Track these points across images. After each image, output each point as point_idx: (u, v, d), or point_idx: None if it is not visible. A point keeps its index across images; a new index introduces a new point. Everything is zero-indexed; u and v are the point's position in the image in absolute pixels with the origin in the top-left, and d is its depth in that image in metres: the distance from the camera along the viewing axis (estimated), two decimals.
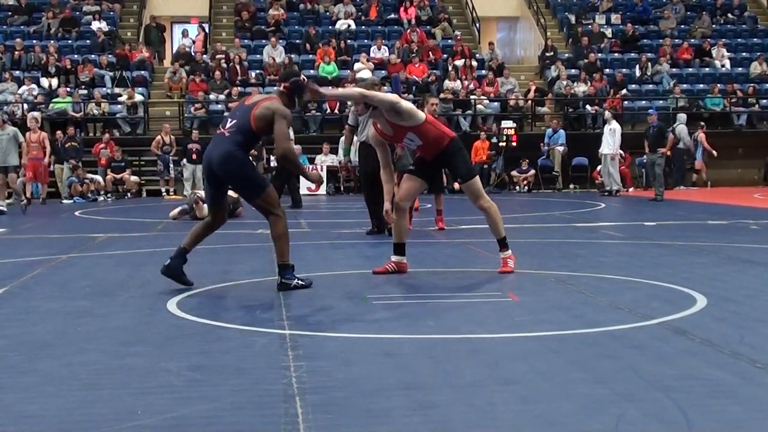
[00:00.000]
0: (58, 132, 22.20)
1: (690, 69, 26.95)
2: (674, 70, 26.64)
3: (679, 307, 6.13)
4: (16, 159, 18.07)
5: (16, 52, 25.49)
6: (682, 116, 23.63)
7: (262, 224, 11.73)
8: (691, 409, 3.84)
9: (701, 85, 26.23)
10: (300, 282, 7.14)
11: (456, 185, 22.29)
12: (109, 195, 21.46)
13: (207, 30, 28.29)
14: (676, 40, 27.85)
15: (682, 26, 28.97)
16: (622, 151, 21.55)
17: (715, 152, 23.43)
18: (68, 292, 7.24)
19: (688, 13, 29.55)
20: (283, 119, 7.00)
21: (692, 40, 27.91)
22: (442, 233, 11.41)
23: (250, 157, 7.68)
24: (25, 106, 23.69)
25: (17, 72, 24.93)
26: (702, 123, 23.98)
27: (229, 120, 7.22)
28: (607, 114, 21.43)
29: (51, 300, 6.86)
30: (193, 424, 3.74)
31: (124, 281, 7.73)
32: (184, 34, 27.67)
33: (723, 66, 27.16)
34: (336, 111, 23.99)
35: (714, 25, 28.79)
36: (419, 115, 7.61)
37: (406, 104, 7.67)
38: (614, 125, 20.62)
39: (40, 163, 19.69)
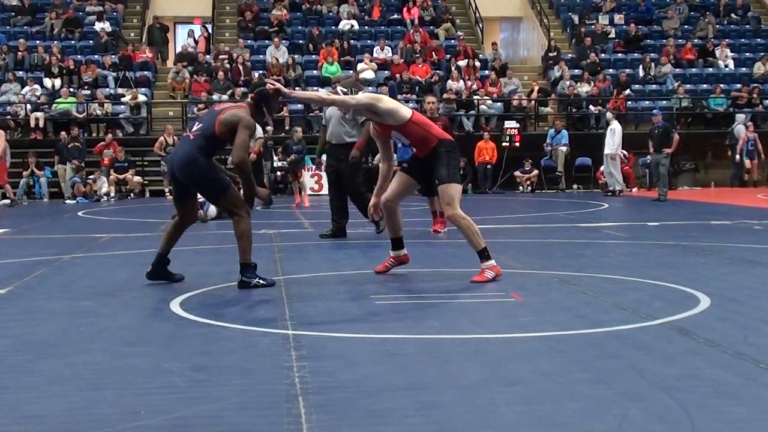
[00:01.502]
0: (63, 133, 22.21)
1: (693, 69, 26.92)
2: (677, 70, 26.61)
3: (682, 308, 6.13)
4: None
5: (20, 53, 25.51)
6: (740, 116, 23.64)
7: (265, 225, 11.76)
8: (694, 409, 3.83)
9: (705, 86, 26.21)
10: (261, 281, 7.18)
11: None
12: (112, 196, 21.46)
13: (210, 30, 28.31)
14: (680, 41, 27.83)
15: (686, 26, 28.95)
16: (625, 152, 21.53)
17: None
18: (71, 292, 7.24)
19: (692, 13, 29.52)
20: (245, 129, 7.08)
21: (696, 41, 27.88)
22: (442, 234, 11.39)
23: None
24: (29, 106, 23.71)
25: (20, 72, 24.95)
26: (750, 123, 23.94)
27: (196, 123, 7.38)
28: (609, 115, 21.42)
29: (54, 300, 6.86)
30: (196, 425, 3.74)
31: (127, 281, 7.73)
32: (190, 34, 27.67)
33: (726, 66, 27.13)
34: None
35: (718, 26, 28.76)
36: (400, 115, 7.47)
37: (386, 105, 7.50)
38: (615, 125, 20.61)
39: (2, 163, 19.45)
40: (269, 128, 20.27)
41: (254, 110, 7.26)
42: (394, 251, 7.92)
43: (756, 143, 23.41)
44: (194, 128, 7.29)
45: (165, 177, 22.36)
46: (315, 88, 24.08)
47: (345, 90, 7.68)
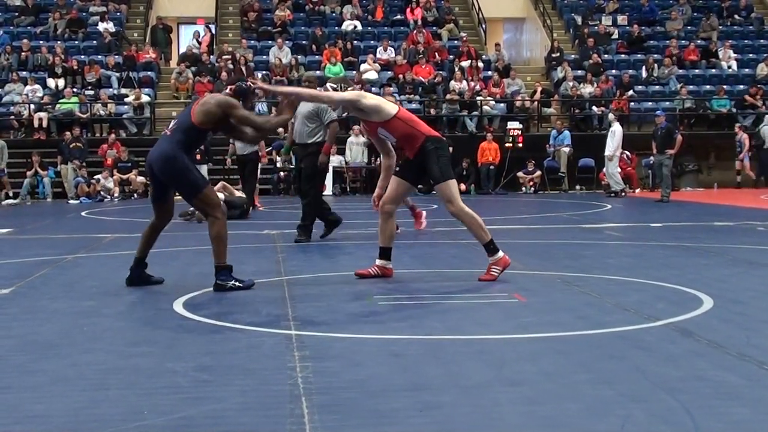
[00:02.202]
0: (67, 133, 22.23)
1: (696, 70, 26.91)
2: (681, 71, 26.60)
3: (685, 309, 6.13)
4: None
5: (23, 53, 25.54)
6: None
7: (268, 225, 11.77)
8: (697, 410, 3.83)
9: (708, 87, 26.20)
10: (237, 284, 7.11)
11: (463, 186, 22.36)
12: (115, 196, 21.48)
13: (213, 31, 28.32)
14: (683, 42, 27.81)
15: (689, 27, 28.93)
16: (628, 152, 21.53)
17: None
18: (75, 292, 7.25)
19: (695, 14, 29.50)
20: (234, 108, 7.06)
21: (699, 42, 27.86)
22: (444, 234, 11.39)
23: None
24: (32, 106, 23.74)
25: (24, 73, 24.97)
26: (738, 124, 23.85)
27: (173, 121, 7.38)
28: (611, 116, 21.41)
29: (57, 300, 6.87)
30: (199, 425, 3.75)
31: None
32: (195, 35, 27.68)
33: (729, 67, 27.12)
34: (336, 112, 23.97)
35: (721, 27, 28.74)
36: (385, 111, 7.43)
37: (370, 101, 7.46)
38: (615, 127, 20.62)
39: None
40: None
41: None
42: (380, 260, 7.78)
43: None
44: (171, 125, 7.29)
45: None
46: (318, 88, 24.08)
47: (335, 86, 7.64)
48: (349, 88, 7.59)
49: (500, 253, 7.49)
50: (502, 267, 7.48)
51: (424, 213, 12.17)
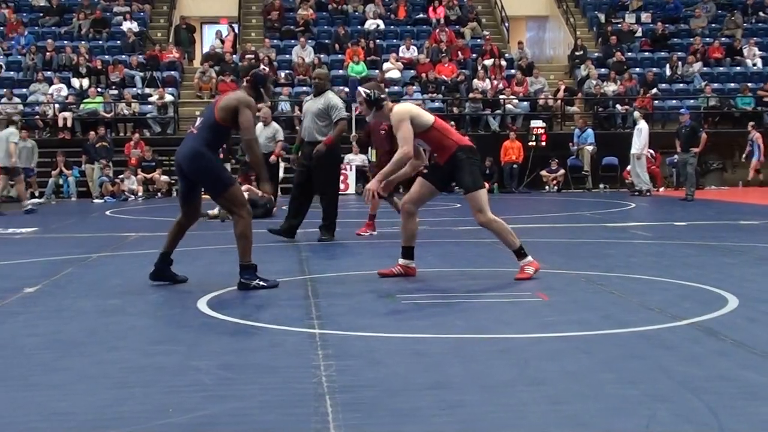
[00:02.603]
0: (92, 132, 22.36)
1: (721, 68, 26.75)
2: (705, 69, 26.45)
3: (709, 308, 6.10)
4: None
5: (48, 53, 25.69)
6: None
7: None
8: (722, 410, 3.81)
9: (732, 84, 26.04)
10: (261, 283, 7.12)
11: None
12: (139, 195, 21.59)
13: (236, 30, 28.40)
14: (707, 39, 27.66)
15: (713, 25, 28.76)
16: (652, 151, 21.42)
17: None
18: (99, 290, 7.29)
19: (719, 11, 29.33)
20: (246, 108, 7.09)
21: (723, 39, 27.70)
22: (467, 233, 11.37)
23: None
24: (57, 106, 23.89)
25: (48, 73, 25.12)
26: (752, 123, 23.64)
27: (198, 119, 7.40)
28: (636, 114, 21.29)
29: (82, 298, 6.91)
30: (223, 423, 3.76)
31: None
32: (218, 35, 27.76)
33: (754, 65, 26.94)
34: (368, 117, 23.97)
35: (745, 24, 28.57)
36: (423, 121, 7.44)
37: (416, 113, 7.46)
38: (642, 125, 20.48)
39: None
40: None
41: (251, 92, 7.28)
42: (403, 260, 7.78)
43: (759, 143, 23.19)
44: (197, 123, 7.34)
45: None
46: (340, 87, 24.11)
47: (369, 92, 7.60)
48: (381, 94, 7.55)
49: (530, 257, 7.54)
50: (535, 269, 7.52)
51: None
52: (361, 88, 7.64)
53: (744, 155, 23.26)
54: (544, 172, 23.11)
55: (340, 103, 11.00)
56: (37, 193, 20.90)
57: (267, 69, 7.52)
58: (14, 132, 17.64)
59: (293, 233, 10.99)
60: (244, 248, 7.12)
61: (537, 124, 23.72)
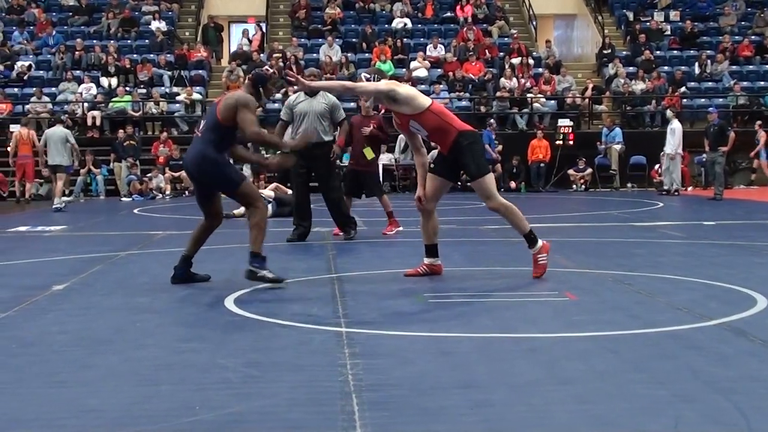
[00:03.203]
0: (120, 131, 22.50)
1: (750, 66, 26.56)
2: (734, 67, 26.27)
3: (738, 308, 6.05)
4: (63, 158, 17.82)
5: (77, 52, 25.88)
6: None
7: (318, 223, 11.81)
8: (751, 411, 3.79)
9: (761, 83, 25.84)
10: (269, 275, 7.12)
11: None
12: (167, 193, 21.69)
13: (264, 29, 28.48)
14: (736, 37, 27.47)
15: (743, 23, 28.56)
16: (680, 150, 21.29)
17: None
18: (128, 288, 7.33)
19: (749, 9, 29.12)
20: (244, 108, 7.08)
21: (753, 37, 27.50)
22: (493, 231, 11.35)
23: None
24: (86, 105, 24.04)
25: (77, 72, 25.30)
26: (759, 121, 23.43)
27: (202, 121, 7.45)
28: (669, 113, 21.14)
29: (111, 296, 6.95)
30: (250, 420, 3.77)
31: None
32: (245, 34, 27.85)
33: None
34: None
35: None
36: (418, 102, 7.30)
37: (405, 91, 7.35)
38: (675, 124, 20.35)
39: (32, 161, 19.57)
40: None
41: (251, 91, 7.29)
42: (428, 258, 7.73)
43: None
44: (200, 126, 7.39)
45: None
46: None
47: (368, 76, 7.57)
48: (383, 80, 7.52)
49: (540, 242, 7.45)
50: (546, 253, 7.46)
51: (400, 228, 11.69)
52: (362, 74, 7.65)
53: (753, 154, 23.06)
54: (571, 171, 23.02)
55: (339, 102, 10.94)
56: (66, 191, 21.04)
57: (271, 70, 7.40)
58: (69, 132, 18.21)
59: (305, 237, 10.92)
60: (257, 237, 7.16)
61: (564, 122, 23.65)
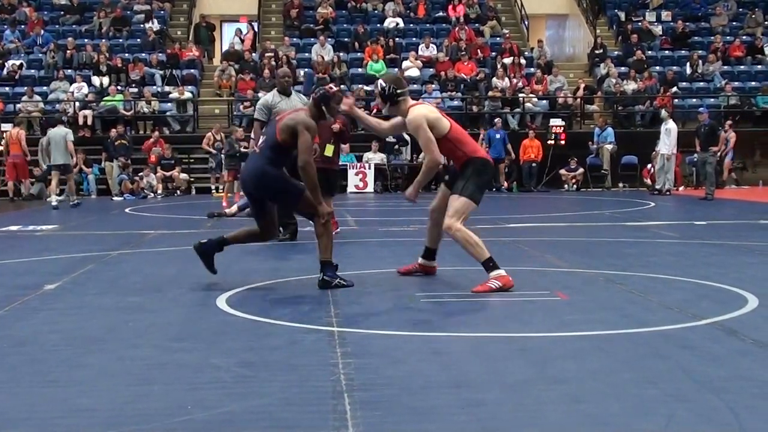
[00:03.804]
0: (112, 130, 22.46)
1: (741, 66, 26.62)
2: (725, 67, 26.32)
3: (730, 308, 6.08)
4: (66, 158, 18.28)
5: (68, 51, 25.80)
6: None
7: (310, 223, 11.80)
8: (742, 410, 3.80)
9: (753, 83, 25.90)
10: (342, 281, 7.13)
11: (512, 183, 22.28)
12: (159, 193, 21.66)
13: (256, 29, 28.45)
14: (728, 38, 27.53)
15: (734, 23, 28.63)
16: (675, 150, 21.33)
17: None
18: (119, 287, 7.32)
19: (740, 9, 29.18)
20: (306, 131, 7.05)
21: (744, 37, 27.56)
22: (486, 231, 11.36)
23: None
24: (77, 104, 23.99)
25: (69, 71, 25.24)
26: (730, 121, 23.41)
27: (262, 137, 7.47)
28: (664, 113, 21.15)
29: (103, 295, 6.95)
30: (242, 420, 3.78)
31: (174, 277, 7.80)
32: (237, 33, 27.82)
33: None
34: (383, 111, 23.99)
35: (766, 22, 28.40)
36: (438, 130, 7.23)
37: (431, 123, 7.22)
38: (670, 125, 20.40)
39: (23, 160, 20.06)
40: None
41: (315, 111, 7.23)
42: (423, 260, 7.75)
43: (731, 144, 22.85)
44: (260, 143, 7.39)
45: (212, 174, 22.54)
46: (360, 85, 24.15)
47: (384, 85, 7.48)
48: (398, 89, 7.41)
49: (500, 271, 7.02)
50: (502, 284, 6.93)
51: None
52: (380, 80, 7.58)
53: (722, 153, 23.02)
54: (563, 171, 23.05)
55: None
56: (57, 191, 20.98)
57: (335, 88, 7.33)
58: (69, 131, 18.57)
59: (296, 235, 10.92)
60: (327, 245, 7.14)
61: (556, 122, 23.67)
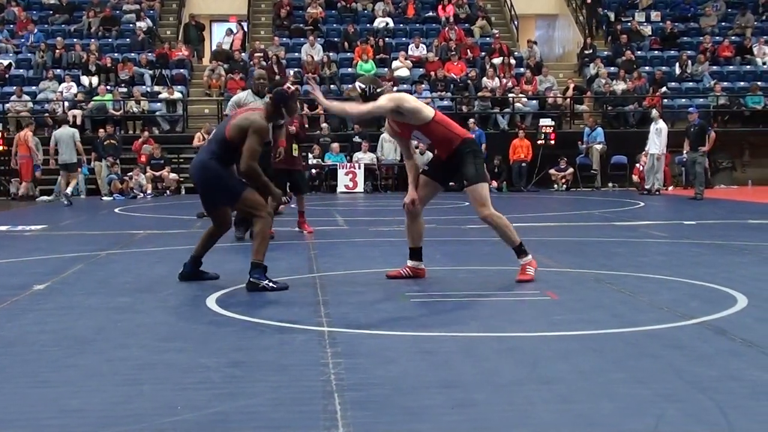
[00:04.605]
0: (101, 130, 22.41)
1: (731, 67, 26.69)
2: (714, 67, 26.38)
3: (719, 307, 6.09)
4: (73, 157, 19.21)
5: (57, 51, 25.74)
6: None
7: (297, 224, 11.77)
8: (732, 410, 3.81)
9: (742, 83, 25.97)
10: (271, 284, 6.99)
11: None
12: (148, 193, 21.62)
13: (245, 28, 28.43)
14: (717, 38, 27.60)
15: (723, 23, 28.70)
16: (664, 150, 21.38)
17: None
18: (109, 288, 7.31)
19: (729, 10, 29.26)
20: (254, 135, 6.96)
21: (733, 38, 27.63)
22: (476, 231, 11.37)
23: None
24: (66, 104, 23.93)
25: (58, 70, 25.18)
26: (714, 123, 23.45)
27: (214, 129, 7.35)
28: (654, 113, 21.19)
29: (92, 296, 6.93)
30: (232, 420, 3.77)
31: (163, 278, 7.79)
32: (228, 33, 27.77)
33: (765, 63, 26.85)
34: None
35: (756, 23, 28.50)
36: (424, 114, 7.29)
37: (410, 104, 7.30)
38: (661, 125, 20.46)
39: (28, 161, 20.72)
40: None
41: (272, 110, 7.14)
42: (412, 261, 7.68)
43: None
44: (210, 135, 7.38)
45: None
46: (350, 85, 24.12)
47: (364, 86, 7.46)
48: (378, 89, 7.42)
49: (530, 256, 7.39)
50: (534, 268, 7.39)
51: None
52: (357, 82, 7.55)
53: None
54: (552, 171, 23.08)
55: None
56: (68, 189, 20.98)
57: (292, 87, 7.25)
58: (76, 131, 19.59)
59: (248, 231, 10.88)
60: (259, 246, 7.05)
61: (546, 122, 23.70)
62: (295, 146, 11.29)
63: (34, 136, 20.96)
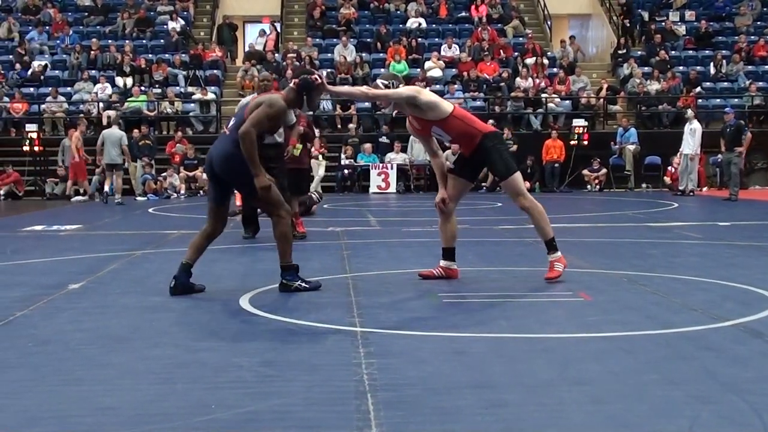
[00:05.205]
0: (135, 131, 22.55)
1: (766, 66, 26.42)
2: (749, 67, 26.16)
3: (754, 309, 6.04)
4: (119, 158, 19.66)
5: (92, 52, 25.96)
6: None
7: (332, 222, 11.82)
8: (767, 412, 3.77)
9: None
10: (303, 284, 6.94)
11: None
12: (182, 193, 21.74)
13: (279, 29, 28.52)
14: (752, 37, 27.35)
15: (758, 23, 28.44)
16: (698, 151, 21.23)
17: None
18: (143, 287, 7.35)
19: (765, 9, 28.98)
20: (268, 108, 6.73)
21: None
22: (509, 232, 11.34)
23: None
24: (101, 105, 24.12)
25: (93, 71, 25.39)
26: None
27: (232, 119, 7.10)
28: (689, 113, 21.04)
29: (126, 295, 6.97)
30: (265, 419, 3.78)
31: (197, 277, 7.77)
32: (261, 34, 27.87)
33: None
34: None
35: None
36: (442, 109, 7.25)
37: (427, 97, 7.27)
38: (695, 125, 20.31)
39: (77, 161, 20.98)
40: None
41: (294, 96, 6.90)
42: (444, 261, 7.64)
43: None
44: (230, 124, 7.05)
45: None
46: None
47: (386, 83, 7.43)
48: (400, 85, 7.42)
49: (559, 253, 7.39)
50: (563, 264, 7.38)
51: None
52: (378, 79, 7.54)
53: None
54: (585, 171, 22.97)
55: None
56: (81, 191, 21.14)
57: (319, 80, 7.06)
58: (124, 135, 20.02)
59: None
60: (284, 249, 6.95)
61: (579, 122, 23.58)
62: (299, 145, 11.30)
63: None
